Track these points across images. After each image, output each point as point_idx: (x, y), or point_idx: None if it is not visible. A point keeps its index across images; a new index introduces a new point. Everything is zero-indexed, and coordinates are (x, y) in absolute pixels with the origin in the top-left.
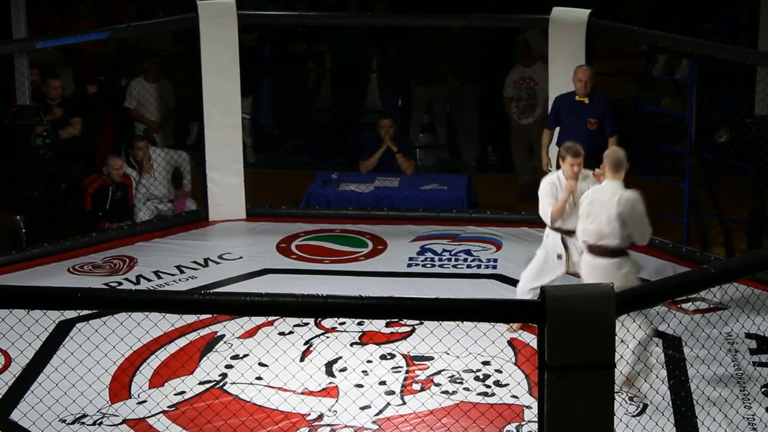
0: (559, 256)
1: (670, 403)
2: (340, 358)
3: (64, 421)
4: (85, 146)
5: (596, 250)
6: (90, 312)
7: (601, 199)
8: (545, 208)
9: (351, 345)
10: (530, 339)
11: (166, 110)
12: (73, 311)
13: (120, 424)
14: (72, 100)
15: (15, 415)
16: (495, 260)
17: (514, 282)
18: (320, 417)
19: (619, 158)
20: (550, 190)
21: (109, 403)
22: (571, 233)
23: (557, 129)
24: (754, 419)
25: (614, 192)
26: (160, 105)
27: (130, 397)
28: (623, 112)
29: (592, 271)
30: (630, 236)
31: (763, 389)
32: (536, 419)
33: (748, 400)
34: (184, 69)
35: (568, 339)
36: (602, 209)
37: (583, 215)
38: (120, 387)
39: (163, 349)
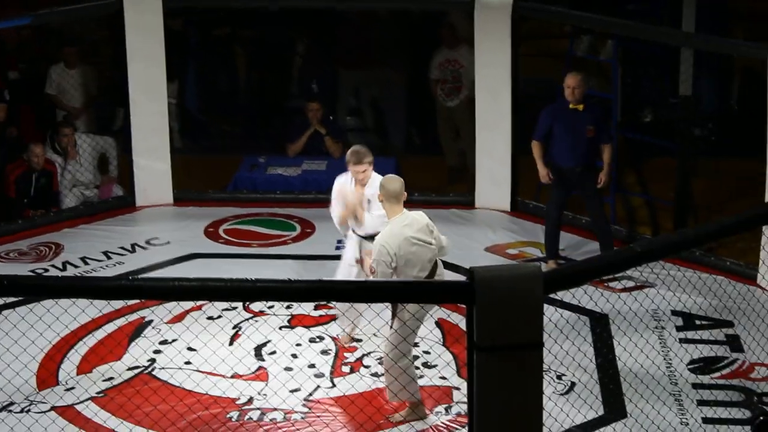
0: (357, 261)
1: (598, 380)
2: (270, 341)
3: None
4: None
5: None
6: (16, 299)
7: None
8: (334, 212)
9: (280, 328)
10: (459, 320)
11: (88, 97)
12: None
13: (48, 411)
14: None
15: None
16: None
17: (442, 264)
18: (250, 401)
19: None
20: (339, 192)
21: (37, 390)
22: (368, 238)
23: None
24: (680, 395)
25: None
26: (82, 91)
27: (58, 384)
28: (549, 95)
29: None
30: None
31: (689, 366)
32: (465, 400)
33: (674, 376)
34: (108, 54)
35: (497, 319)
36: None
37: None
38: (48, 374)
39: (90, 335)
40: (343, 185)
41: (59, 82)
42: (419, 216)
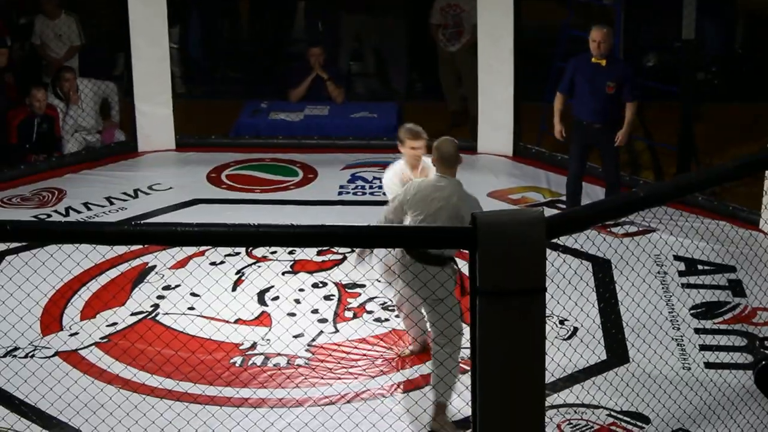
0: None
1: (600, 325)
2: (272, 287)
3: (11, 354)
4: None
5: (424, 256)
6: (20, 245)
7: (437, 196)
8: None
9: (283, 274)
10: (462, 265)
11: (70, 46)
12: (2, 244)
13: (52, 356)
14: None
15: None
16: None
17: None
18: (253, 346)
19: (450, 152)
20: (396, 184)
21: (41, 335)
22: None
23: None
24: (682, 340)
25: (454, 191)
26: (63, 42)
27: (62, 330)
28: (552, 39)
29: (415, 280)
30: None
31: (691, 311)
32: (468, 345)
33: (677, 321)
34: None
35: (499, 264)
36: (441, 209)
37: (413, 212)
38: (51, 319)
39: (94, 280)
40: (396, 175)
41: (41, 33)
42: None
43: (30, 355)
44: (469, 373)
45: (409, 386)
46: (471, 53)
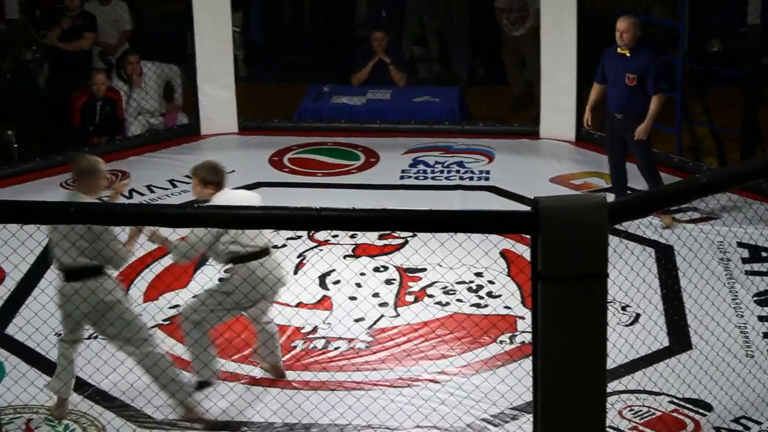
0: None
1: (663, 312)
2: (334, 270)
3: (58, 335)
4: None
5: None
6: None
7: None
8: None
9: (344, 257)
10: (523, 250)
11: (122, 31)
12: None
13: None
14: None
15: (10, 330)
16: (487, 172)
17: (506, 194)
18: (314, 329)
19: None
20: None
21: None
22: None
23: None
24: (745, 327)
25: None
26: (114, 27)
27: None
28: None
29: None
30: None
31: (755, 298)
32: (530, 330)
33: (740, 308)
34: None
35: (561, 249)
36: None
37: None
38: None
39: (157, 262)
40: None
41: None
42: None
43: (93, 336)
44: (530, 358)
45: (470, 370)
46: (535, 37)
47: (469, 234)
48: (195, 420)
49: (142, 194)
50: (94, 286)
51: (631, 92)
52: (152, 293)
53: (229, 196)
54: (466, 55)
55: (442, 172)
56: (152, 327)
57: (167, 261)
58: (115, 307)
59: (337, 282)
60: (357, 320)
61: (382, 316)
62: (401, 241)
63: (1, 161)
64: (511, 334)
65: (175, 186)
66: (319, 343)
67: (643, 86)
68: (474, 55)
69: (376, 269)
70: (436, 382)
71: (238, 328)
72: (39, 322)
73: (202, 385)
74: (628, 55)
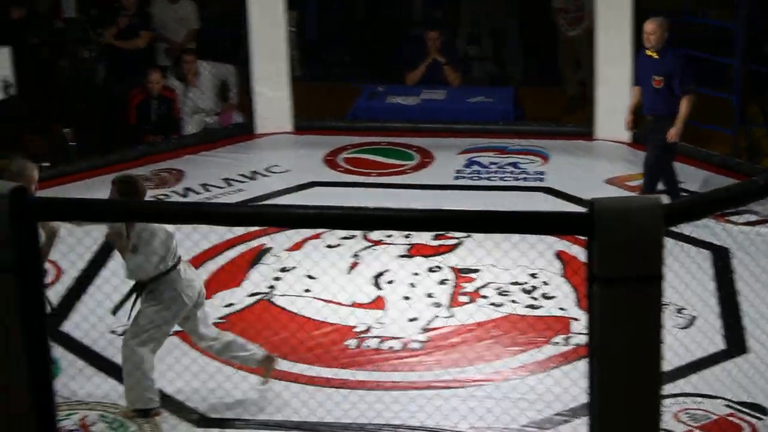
0: None
1: (719, 315)
2: (388, 270)
3: (114, 332)
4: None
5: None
6: None
7: None
8: None
9: (398, 257)
10: (578, 251)
11: (189, 29)
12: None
13: (171, 335)
14: (144, 13)
15: (66, 327)
16: (542, 173)
17: (561, 194)
18: (368, 329)
19: None
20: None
21: None
22: None
23: None
24: None
25: None
26: (182, 25)
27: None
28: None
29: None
30: None
31: None
32: (584, 332)
33: None
34: None
35: (617, 251)
36: None
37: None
38: None
39: (212, 261)
40: None
41: (161, 17)
42: None
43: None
44: (585, 359)
45: (525, 372)
46: (591, 38)
47: (523, 235)
48: (129, 416)
49: (197, 193)
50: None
51: (658, 94)
52: (207, 291)
53: None
54: (520, 54)
55: (496, 172)
56: None
57: (222, 260)
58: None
59: (391, 282)
60: (411, 320)
61: (436, 316)
62: (455, 241)
63: (58, 159)
64: (565, 335)
65: (230, 185)
66: (373, 343)
67: (671, 88)
68: (528, 55)
69: (430, 269)
70: (491, 383)
71: (293, 327)
72: (95, 319)
73: (144, 413)
74: (656, 57)
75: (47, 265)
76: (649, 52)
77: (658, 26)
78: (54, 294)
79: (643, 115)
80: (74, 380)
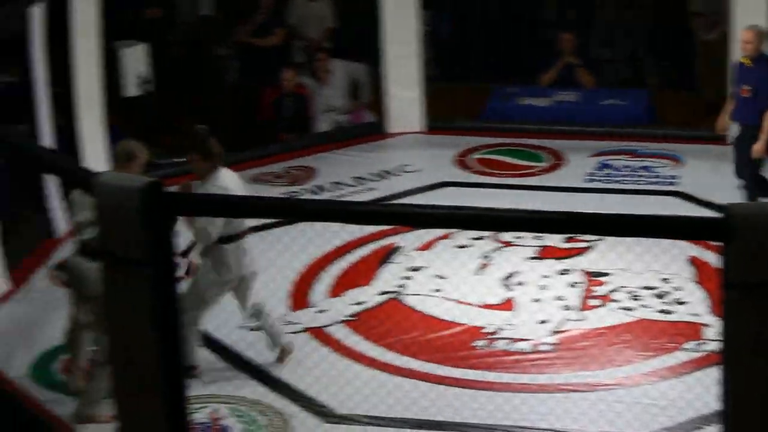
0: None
1: None
2: (518, 272)
3: (246, 327)
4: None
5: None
6: (272, 221)
7: None
8: None
9: (529, 259)
10: (711, 257)
11: (326, 28)
12: (254, 220)
13: (301, 332)
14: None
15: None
16: (675, 177)
17: (694, 199)
18: (497, 330)
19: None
20: None
21: (291, 310)
22: None
23: None
24: None
25: None
26: (321, 23)
27: (311, 306)
28: None
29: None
30: None
31: None
32: (716, 338)
33: None
34: None
35: (753, 257)
36: None
37: None
38: (300, 295)
39: (342, 259)
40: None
41: (301, 13)
42: None
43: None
44: (718, 366)
45: (656, 377)
46: (726, 42)
47: (656, 239)
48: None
49: (328, 191)
50: None
51: (745, 103)
52: (337, 289)
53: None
54: (655, 58)
55: (629, 176)
56: (337, 322)
57: (352, 258)
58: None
59: (521, 283)
60: (541, 322)
61: (567, 319)
62: (587, 244)
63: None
64: (697, 342)
65: (361, 183)
66: (502, 344)
67: (758, 98)
68: (664, 58)
69: (561, 272)
70: (621, 387)
71: (422, 326)
72: (226, 314)
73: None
74: (749, 65)
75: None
76: (743, 60)
77: (755, 35)
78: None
79: (735, 122)
80: (205, 374)
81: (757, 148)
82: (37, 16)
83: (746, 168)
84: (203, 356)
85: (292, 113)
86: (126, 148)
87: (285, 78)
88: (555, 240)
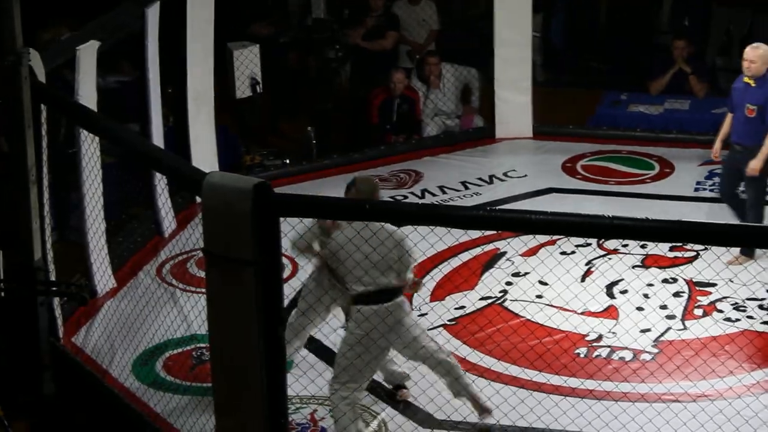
0: None
1: None
2: (622, 280)
3: (345, 328)
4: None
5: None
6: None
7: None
8: None
9: (633, 267)
10: None
11: (429, 32)
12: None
13: None
14: (391, 14)
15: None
16: None
17: None
18: (600, 338)
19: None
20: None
21: None
22: None
23: None
24: None
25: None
26: (424, 27)
27: (412, 309)
28: None
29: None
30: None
31: None
32: None
33: None
34: None
35: None
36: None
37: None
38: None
39: (446, 263)
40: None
41: (403, 18)
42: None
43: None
44: None
45: (759, 389)
46: None
47: (764, 249)
48: (483, 410)
49: (434, 194)
50: (395, 306)
51: (749, 124)
52: (440, 293)
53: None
54: None
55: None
56: (438, 326)
57: (456, 262)
58: (410, 327)
59: (624, 291)
60: (643, 331)
61: (670, 328)
62: (693, 254)
63: (301, 156)
64: None
65: (467, 188)
66: (604, 352)
67: (763, 118)
68: None
69: (665, 281)
70: (723, 398)
71: (524, 332)
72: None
73: None
74: (753, 85)
75: (285, 260)
76: (746, 80)
77: (760, 55)
78: (289, 288)
79: (731, 143)
80: (306, 375)
81: (754, 166)
82: (152, 15)
83: (751, 192)
84: (303, 355)
85: (401, 115)
86: (370, 186)
87: (394, 80)
88: (661, 249)
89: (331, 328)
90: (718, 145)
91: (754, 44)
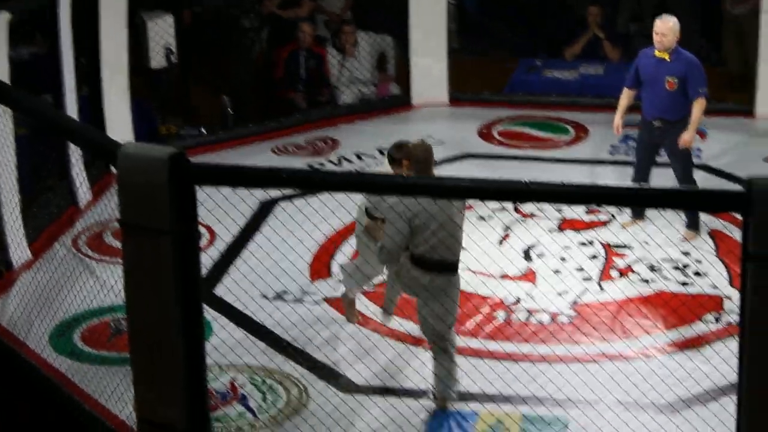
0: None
1: None
2: (539, 243)
3: (266, 297)
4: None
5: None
6: (293, 192)
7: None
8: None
9: (550, 231)
10: (732, 230)
11: (345, 1)
12: (276, 190)
13: (320, 302)
14: None
15: (219, 290)
16: (699, 150)
17: (718, 172)
18: (518, 301)
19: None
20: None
21: (310, 281)
22: None
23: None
24: None
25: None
26: None
27: (331, 276)
28: None
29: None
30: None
31: None
32: (737, 310)
33: None
34: None
35: None
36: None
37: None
38: (321, 266)
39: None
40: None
41: None
42: None
43: (299, 300)
44: (737, 338)
45: (674, 349)
46: (756, 16)
47: (678, 212)
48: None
49: (350, 162)
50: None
51: (671, 97)
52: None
53: None
54: (683, 31)
55: None
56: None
57: None
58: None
59: (541, 255)
60: (560, 294)
61: (586, 290)
62: (608, 217)
63: (216, 126)
64: (717, 314)
65: (383, 155)
66: (522, 315)
67: (684, 91)
68: (692, 33)
69: (582, 244)
70: (639, 358)
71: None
72: (247, 284)
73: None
74: (667, 58)
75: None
76: (659, 53)
77: (670, 28)
78: (207, 257)
79: (644, 120)
80: (225, 343)
81: (688, 137)
82: None
83: (679, 166)
84: (222, 323)
85: (308, 70)
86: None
87: (302, 29)
88: (576, 212)
89: (250, 296)
90: (619, 120)
91: (664, 17)
